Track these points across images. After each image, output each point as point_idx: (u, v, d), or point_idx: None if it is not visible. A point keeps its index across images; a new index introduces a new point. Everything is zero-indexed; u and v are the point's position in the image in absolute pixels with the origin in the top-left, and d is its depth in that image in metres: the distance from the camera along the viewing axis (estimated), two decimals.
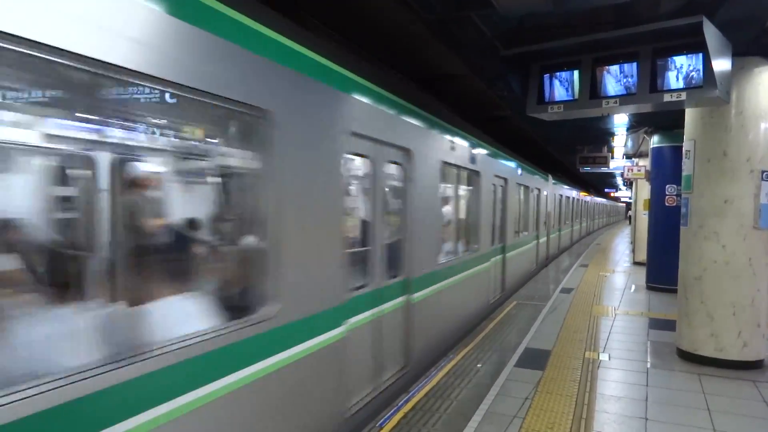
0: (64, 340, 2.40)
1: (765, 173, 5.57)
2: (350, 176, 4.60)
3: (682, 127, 6.31)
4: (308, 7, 5.54)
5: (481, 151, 8.32)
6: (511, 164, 10.79)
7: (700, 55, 4.52)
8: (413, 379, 5.44)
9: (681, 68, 4.66)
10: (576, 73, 5.20)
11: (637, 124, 11.07)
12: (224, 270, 3.47)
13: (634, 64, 4.87)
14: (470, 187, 8.28)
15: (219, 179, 3.53)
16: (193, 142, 3.35)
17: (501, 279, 10.27)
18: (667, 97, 4.75)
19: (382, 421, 4.33)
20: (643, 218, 14.47)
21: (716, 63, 4.44)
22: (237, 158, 3.51)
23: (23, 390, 1.93)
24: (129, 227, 2.67)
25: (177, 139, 3.26)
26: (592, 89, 5.12)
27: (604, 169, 17.56)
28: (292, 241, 3.49)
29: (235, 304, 3.17)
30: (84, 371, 2.15)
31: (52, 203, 2.79)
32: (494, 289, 9.67)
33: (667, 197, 10.57)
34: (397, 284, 5.37)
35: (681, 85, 4.67)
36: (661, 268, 10.48)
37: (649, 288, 11.02)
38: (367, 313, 4.74)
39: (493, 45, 5.72)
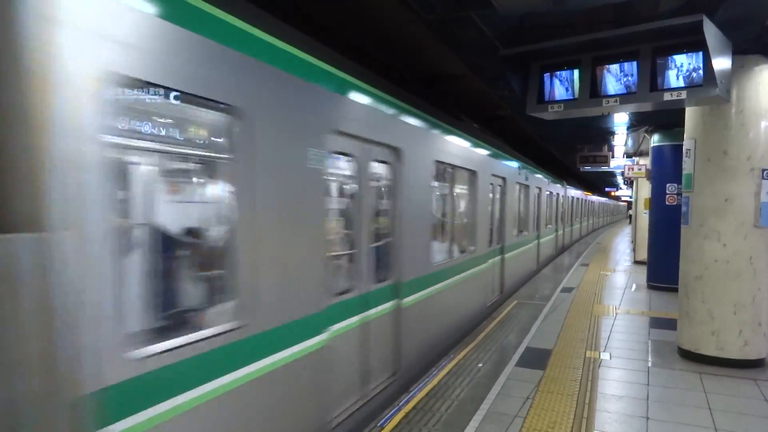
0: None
1: (765, 172, 5.57)
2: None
3: (683, 125, 6.31)
4: (307, 7, 5.54)
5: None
6: (511, 164, 10.66)
7: (700, 53, 4.51)
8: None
9: (681, 67, 4.66)
10: (576, 72, 5.20)
11: (637, 123, 11.06)
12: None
13: (634, 63, 4.86)
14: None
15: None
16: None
17: (500, 280, 10.18)
18: (667, 96, 4.74)
19: (383, 421, 4.33)
20: (643, 217, 14.47)
21: (716, 62, 4.43)
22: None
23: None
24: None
25: None
26: (593, 88, 5.11)
27: (604, 168, 17.54)
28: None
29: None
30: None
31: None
32: (492, 290, 9.57)
33: (667, 196, 10.56)
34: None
35: (681, 83, 4.67)
36: (662, 267, 10.48)
37: (650, 287, 11.02)
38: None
39: (493, 44, 5.72)
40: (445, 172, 7.22)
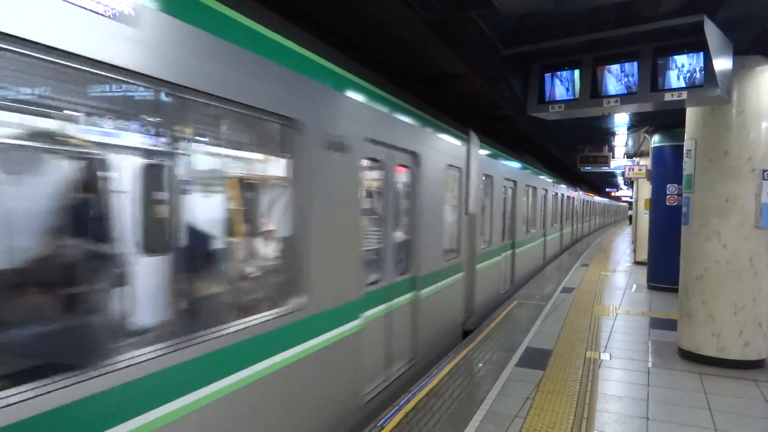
0: None
1: (766, 172, 5.56)
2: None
3: (683, 126, 6.30)
4: (307, 6, 5.54)
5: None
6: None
7: (701, 54, 4.51)
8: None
9: (682, 67, 4.66)
10: (577, 72, 5.20)
11: (638, 124, 11.06)
12: None
13: (635, 64, 4.86)
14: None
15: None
16: None
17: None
18: (668, 97, 4.74)
19: (383, 421, 4.33)
20: (644, 218, 14.46)
21: (717, 62, 4.43)
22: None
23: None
24: None
25: None
26: (593, 88, 5.12)
27: (605, 169, 17.54)
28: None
29: None
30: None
31: None
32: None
33: (668, 197, 10.56)
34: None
35: (682, 84, 4.67)
36: (662, 267, 10.48)
37: (650, 287, 11.01)
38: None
39: (493, 44, 5.72)
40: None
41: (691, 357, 6.00)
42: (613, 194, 47.08)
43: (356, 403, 4.58)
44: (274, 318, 3.36)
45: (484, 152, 8.65)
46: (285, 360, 3.46)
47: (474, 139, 8.04)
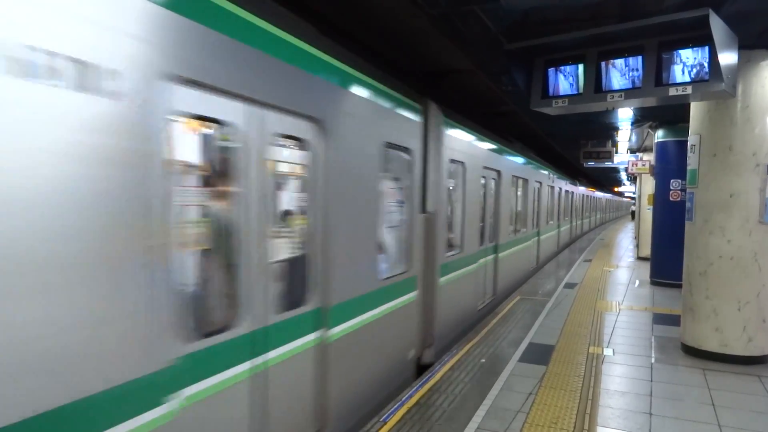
0: None
1: None
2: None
3: (687, 121, 6.28)
4: (310, 0, 5.52)
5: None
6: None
7: (706, 48, 4.47)
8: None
9: (687, 62, 4.62)
10: (581, 67, 5.16)
11: (641, 119, 11.02)
12: None
13: (639, 58, 4.82)
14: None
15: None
16: None
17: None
18: (672, 91, 4.71)
19: (385, 416, 4.34)
20: (647, 213, 14.43)
21: (722, 56, 4.40)
22: None
23: None
24: None
25: None
26: (597, 83, 5.08)
27: (608, 164, 17.49)
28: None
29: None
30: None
31: None
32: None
33: (671, 192, 10.53)
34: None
35: (687, 78, 4.63)
36: (666, 263, 10.47)
37: (654, 283, 11.00)
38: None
39: (497, 39, 5.69)
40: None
41: (694, 352, 5.99)
42: (615, 189, 46.98)
43: None
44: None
45: (452, 132, 6.72)
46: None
47: (435, 112, 6.17)
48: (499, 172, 9.41)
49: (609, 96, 5.03)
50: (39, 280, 1.95)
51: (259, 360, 3.28)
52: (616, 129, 13.26)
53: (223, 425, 3.01)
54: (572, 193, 21.26)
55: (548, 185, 14.97)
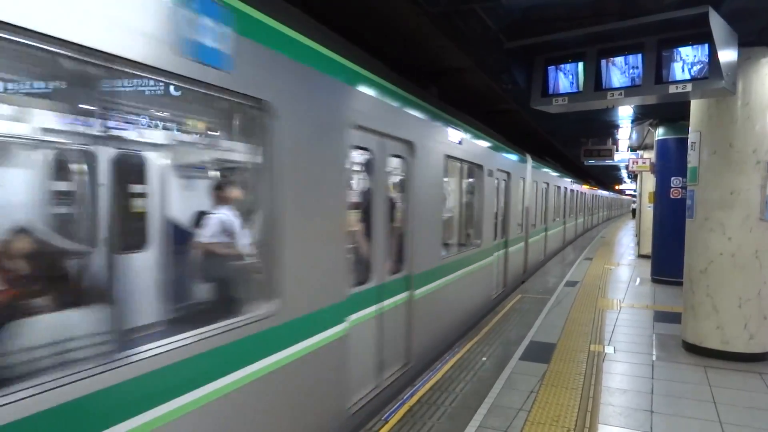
0: None
1: None
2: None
3: (688, 118, 6.27)
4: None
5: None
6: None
7: (706, 45, 4.48)
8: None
9: (686, 59, 4.63)
10: (581, 65, 5.17)
11: (642, 116, 11.02)
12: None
13: (639, 56, 4.83)
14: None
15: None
16: None
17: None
18: (672, 89, 4.71)
19: (387, 414, 4.35)
20: (648, 211, 14.42)
21: (722, 54, 4.40)
22: None
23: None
24: None
25: None
26: (597, 81, 5.09)
27: (608, 162, 17.48)
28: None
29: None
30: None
31: None
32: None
33: (672, 189, 10.53)
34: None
35: (686, 76, 4.64)
36: (667, 260, 10.46)
37: (654, 281, 11.00)
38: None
39: (497, 38, 5.69)
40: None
41: (695, 350, 6.00)
42: (616, 187, 46.94)
43: None
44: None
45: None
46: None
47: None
48: (558, 186, 13.87)
49: (609, 94, 5.04)
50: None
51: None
52: (617, 127, 13.25)
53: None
54: (565, 190, 20.86)
55: (530, 181, 14.31)
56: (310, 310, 3.61)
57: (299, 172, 3.47)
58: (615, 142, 15.93)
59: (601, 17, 5.21)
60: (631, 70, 4.90)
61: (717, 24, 4.33)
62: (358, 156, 4.74)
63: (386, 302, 5.01)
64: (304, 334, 3.55)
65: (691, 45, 4.58)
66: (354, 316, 4.30)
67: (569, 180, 20.28)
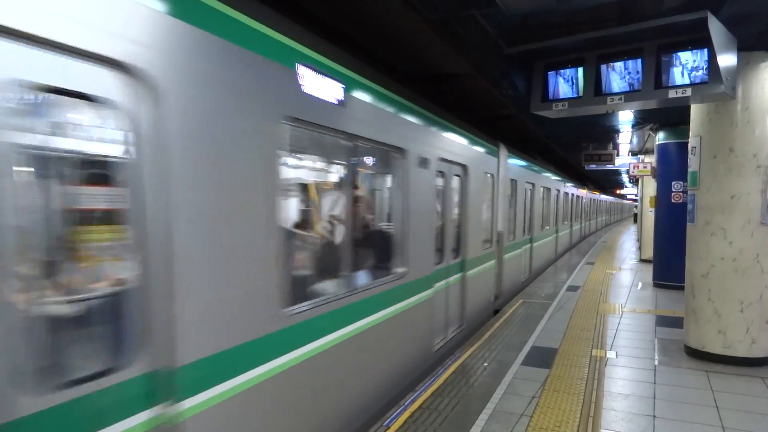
0: None
1: None
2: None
3: (688, 123, 6.28)
4: (311, 6, 5.55)
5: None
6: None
7: (705, 50, 4.50)
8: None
9: (686, 64, 4.64)
10: (580, 70, 5.19)
11: (642, 121, 11.02)
12: None
13: (639, 61, 4.85)
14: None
15: None
16: None
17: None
18: (672, 94, 4.73)
19: (388, 420, 4.34)
20: (649, 215, 14.42)
21: (721, 58, 4.42)
22: None
23: None
24: None
25: None
26: (597, 86, 5.10)
27: (609, 167, 17.48)
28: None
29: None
30: None
31: None
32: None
33: (673, 194, 10.53)
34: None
35: (686, 81, 4.65)
36: (668, 265, 10.45)
37: (656, 285, 10.98)
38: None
39: (496, 43, 5.71)
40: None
41: (697, 354, 5.98)
42: (617, 192, 46.90)
43: None
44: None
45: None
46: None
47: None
48: (567, 193, 15.88)
49: (609, 99, 5.06)
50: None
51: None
52: (617, 131, 13.26)
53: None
54: (571, 195, 20.83)
55: (543, 187, 14.09)
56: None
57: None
58: (616, 146, 15.93)
59: (600, 22, 5.23)
60: (630, 75, 4.92)
61: (716, 29, 4.34)
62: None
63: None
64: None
65: (691, 50, 4.60)
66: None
67: (562, 180, 17.82)
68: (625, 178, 30.23)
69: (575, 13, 5.32)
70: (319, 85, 3.82)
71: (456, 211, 7.37)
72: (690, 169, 6.12)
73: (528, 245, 12.52)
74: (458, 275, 7.32)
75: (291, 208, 4.64)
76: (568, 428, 4.19)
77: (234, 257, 2.98)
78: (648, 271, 12.19)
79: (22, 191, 2.11)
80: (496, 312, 9.04)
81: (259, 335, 3.18)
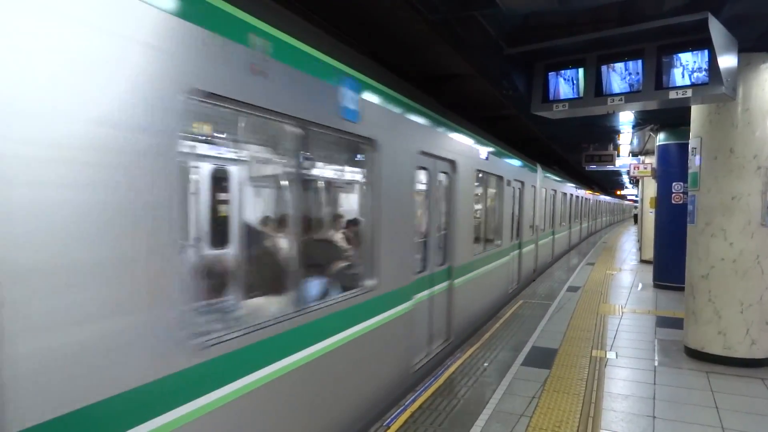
0: None
1: None
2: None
3: (689, 124, 6.29)
4: (311, 6, 5.55)
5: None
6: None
7: (706, 51, 4.49)
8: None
9: (686, 65, 4.64)
10: (581, 71, 5.19)
11: (643, 122, 11.02)
12: None
13: (639, 62, 4.85)
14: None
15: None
16: None
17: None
18: (672, 95, 4.73)
19: (389, 420, 4.34)
20: (649, 216, 14.42)
21: (722, 59, 4.42)
22: None
23: None
24: None
25: None
26: (597, 87, 5.10)
27: (609, 167, 17.48)
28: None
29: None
30: None
31: None
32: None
33: (673, 195, 10.53)
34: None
35: (687, 82, 4.65)
36: (668, 266, 10.45)
37: (656, 286, 10.98)
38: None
39: (497, 44, 5.72)
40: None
41: (697, 355, 5.98)
42: (618, 192, 46.89)
43: None
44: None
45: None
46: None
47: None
48: (555, 190, 16.03)
49: (609, 100, 5.06)
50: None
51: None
52: (618, 132, 13.26)
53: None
54: (592, 199, 23.32)
55: (527, 185, 13.70)
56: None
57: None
58: (616, 147, 15.93)
59: (601, 23, 5.23)
60: (631, 76, 4.92)
61: (717, 30, 4.34)
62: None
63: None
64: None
65: (691, 51, 4.60)
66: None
67: (552, 177, 15.94)
68: (625, 179, 30.22)
69: (576, 14, 5.32)
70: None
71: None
72: (690, 170, 6.12)
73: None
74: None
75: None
76: (567, 429, 4.20)
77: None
78: (648, 271, 12.19)
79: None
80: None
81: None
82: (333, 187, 5.33)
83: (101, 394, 2.12)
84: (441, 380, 5.27)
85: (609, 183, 38.52)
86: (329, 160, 4.94)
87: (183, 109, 2.51)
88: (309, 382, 3.63)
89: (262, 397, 3.13)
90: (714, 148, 5.79)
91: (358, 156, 4.71)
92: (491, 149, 8.57)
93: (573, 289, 10.77)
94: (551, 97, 5.40)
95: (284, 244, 3.75)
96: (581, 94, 5.21)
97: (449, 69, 8.07)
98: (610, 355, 6.19)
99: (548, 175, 15.11)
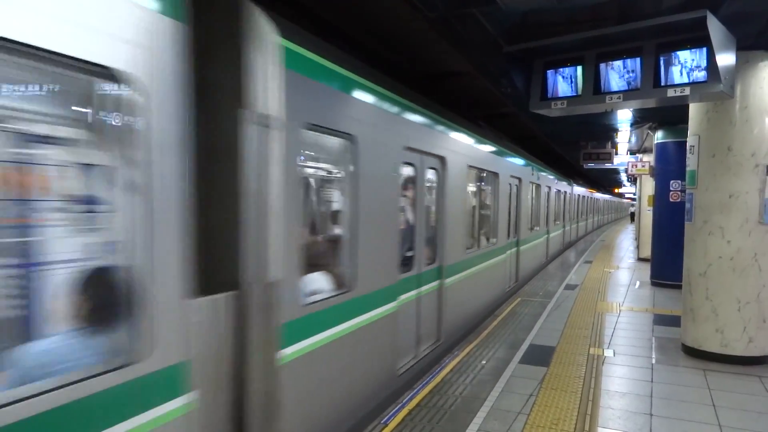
0: None
1: None
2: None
3: (687, 122, 6.29)
4: (310, 4, 5.54)
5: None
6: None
7: (704, 49, 4.49)
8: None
9: (685, 63, 4.64)
10: (579, 68, 5.19)
11: (641, 120, 11.03)
12: None
13: (638, 60, 4.84)
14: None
15: None
16: None
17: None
18: (670, 93, 4.73)
19: (386, 418, 4.34)
20: (647, 214, 14.44)
21: (720, 57, 4.42)
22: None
23: None
24: None
25: None
26: (596, 85, 5.10)
27: (608, 165, 17.50)
28: None
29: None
30: None
31: None
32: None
33: (671, 193, 10.54)
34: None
35: (685, 80, 4.65)
36: (666, 264, 10.47)
37: (654, 284, 11.00)
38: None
39: (496, 42, 5.71)
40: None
41: (694, 353, 6.00)
42: (616, 190, 46.96)
43: None
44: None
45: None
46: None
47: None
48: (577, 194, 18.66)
49: (608, 97, 5.05)
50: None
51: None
52: (616, 130, 13.26)
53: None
54: (591, 197, 23.87)
55: (567, 191, 18.30)
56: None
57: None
58: (614, 145, 15.95)
59: (599, 21, 5.23)
60: (629, 74, 4.92)
61: (715, 28, 4.34)
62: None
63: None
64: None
65: (690, 49, 4.60)
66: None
67: (549, 175, 15.25)
68: (623, 176, 30.25)
69: (575, 12, 5.32)
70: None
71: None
72: (688, 168, 6.13)
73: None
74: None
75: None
76: (565, 426, 4.20)
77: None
78: (646, 269, 12.22)
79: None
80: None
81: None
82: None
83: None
84: (438, 378, 5.28)
85: (607, 181, 38.57)
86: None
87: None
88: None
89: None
90: (712, 146, 5.79)
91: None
92: (484, 145, 8.23)
93: (571, 287, 10.78)
94: (550, 94, 5.40)
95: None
96: (580, 92, 5.20)
97: (448, 67, 8.06)
98: (608, 352, 6.21)
99: (544, 172, 15.29)
